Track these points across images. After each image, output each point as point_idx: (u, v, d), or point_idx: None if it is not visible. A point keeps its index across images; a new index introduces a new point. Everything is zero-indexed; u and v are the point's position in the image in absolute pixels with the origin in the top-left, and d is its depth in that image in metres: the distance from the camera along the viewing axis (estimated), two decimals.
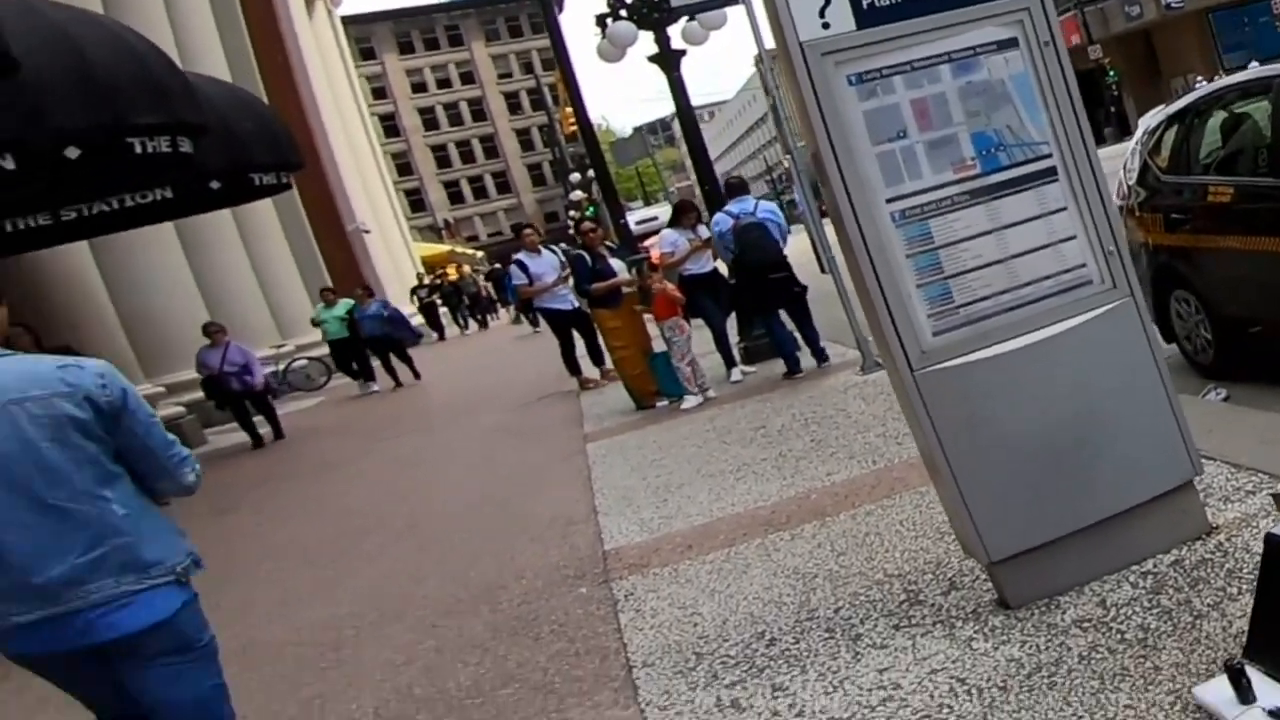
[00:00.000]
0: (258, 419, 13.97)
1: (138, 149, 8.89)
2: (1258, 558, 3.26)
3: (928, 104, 3.35)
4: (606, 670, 3.87)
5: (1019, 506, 3.44)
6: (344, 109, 37.21)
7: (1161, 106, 6.67)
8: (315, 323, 18.35)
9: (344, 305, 17.72)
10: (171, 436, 2.85)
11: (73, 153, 8.41)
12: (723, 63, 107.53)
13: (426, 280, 32.91)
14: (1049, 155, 3.45)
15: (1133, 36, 33.42)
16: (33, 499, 2.55)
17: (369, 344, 17.62)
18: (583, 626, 4.42)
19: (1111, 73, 30.26)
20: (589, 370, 11.85)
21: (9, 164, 8.05)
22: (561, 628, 4.47)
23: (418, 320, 29.79)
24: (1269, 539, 2.72)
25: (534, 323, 22.20)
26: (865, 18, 3.28)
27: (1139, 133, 6.54)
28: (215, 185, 12.12)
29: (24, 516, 2.54)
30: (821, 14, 3.25)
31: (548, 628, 4.51)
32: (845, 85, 3.28)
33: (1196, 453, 3.61)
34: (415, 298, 30.92)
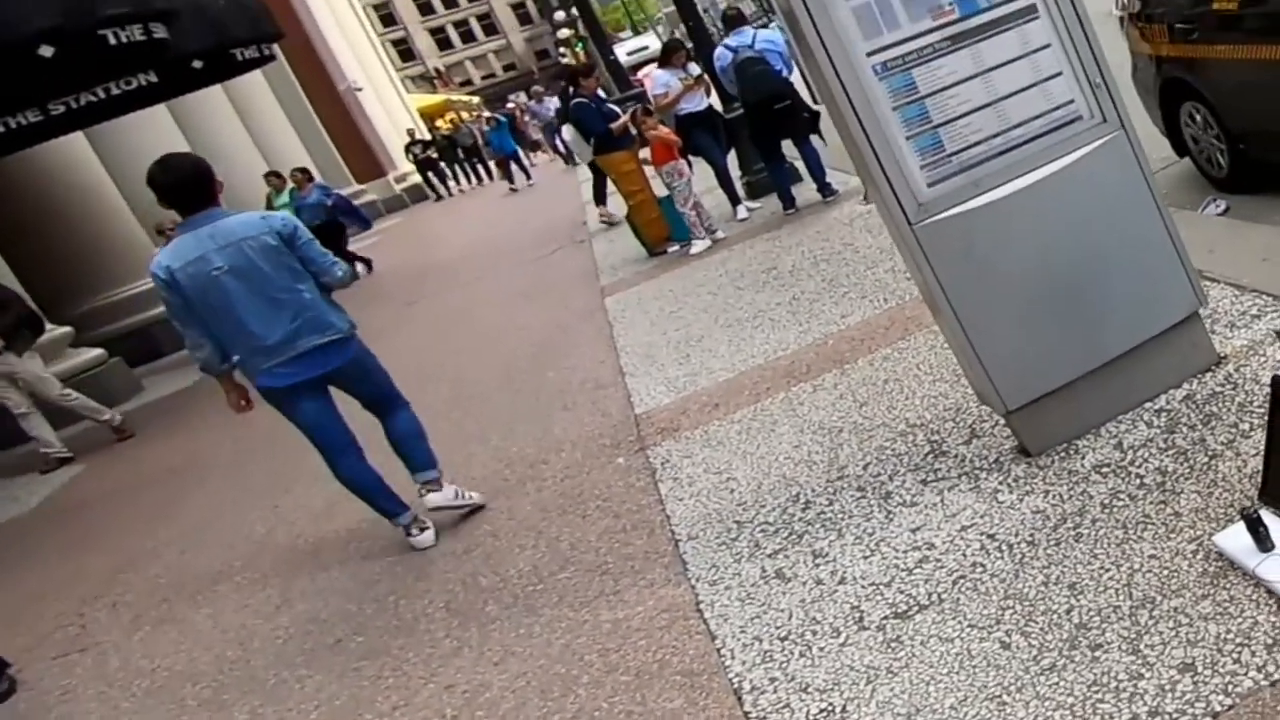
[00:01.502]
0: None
1: (111, 40, 8.89)
2: (1267, 389, 3.30)
3: None
4: (655, 546, 3.99)
5: (1029, 354, 3.45)
6: None
7: None
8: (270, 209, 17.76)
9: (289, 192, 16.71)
10: (323, 250, 4.54)
11: (47, 51, 8.46)
12: None
13: (418, 136, 31.04)
14: None
15: None
16: (260, 294, 4.30)
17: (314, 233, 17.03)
18: (626, 500, 4.53)
19: None
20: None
21: None
22: (606, 503, 4.59)
23: (409, 183, 29.01)
24: (1275, 381, 2.73)
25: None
26: None
27: None
28: (198, 65, 11.86)
29: (256, 305, 4.30)
30: None
31: (594, 504, 4.62)
32: None
33: (1200, 284, 3.59)
34: (410, 155, 29.15)
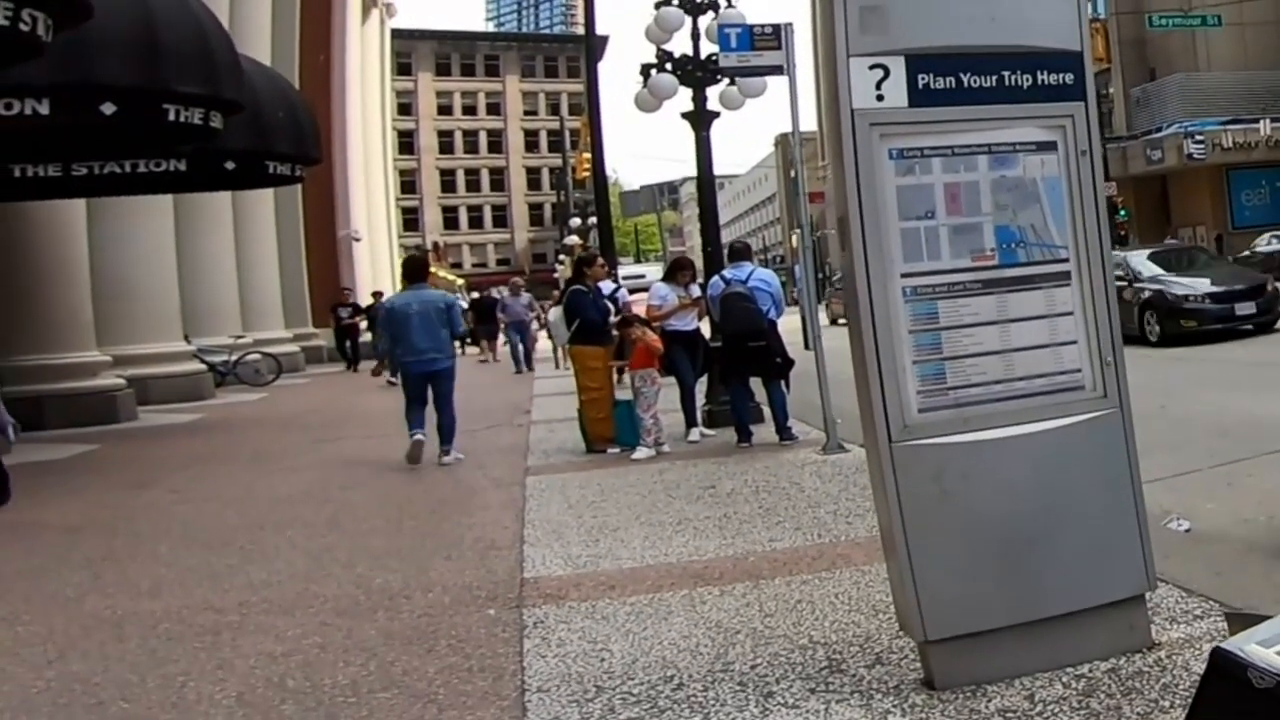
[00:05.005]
0: None
1: (171, 115, 9.13)
2: (1196, 676, 3.22)
3: (960, 190, 3.50)
4: (498, 689, 3.74)
5: (967, 590, 3.45)
6: (369, 118, 37.53)
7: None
8: None
9: None
10: (461, 320, 10.14)
11: (108, 109, 8.62)
12: (739, 139, 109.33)
13: (351, 300, 26.90)
14: (1066, 260, 3.58)
15: (1149, 180, 34.16)
16: (422, 327, 9.15)
17: None
18: (482, 645, 4.29)
19: (1123, 211, 30.85)
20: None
21: (44, 109, 8.26)
22: (460, 644, 4.33)
23: (310, 343, 26.43)
24: (1216, 652, 2.66)
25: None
26: (918, 97, 3.40)
27: None
28: (230, 166, 12.28)
29: (420, 331, 9.15)
30: (878, 86, 3.38)
31: (445, 642, 4.37)
32: (886, 158, 3.40)
33: (1154, 569, 3.64)
34: (334, 317, 25.95)
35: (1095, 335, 3.57)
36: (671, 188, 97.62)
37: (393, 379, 20.84)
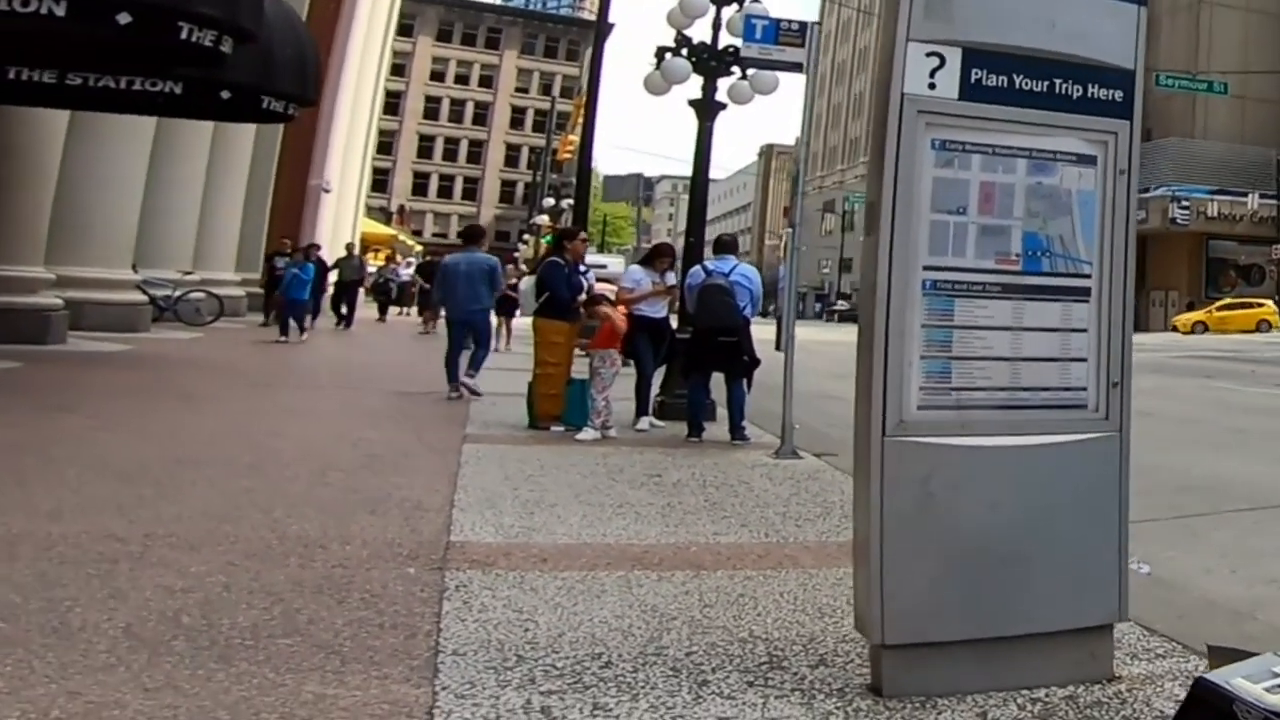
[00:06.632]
0: None
1: (184, 34, 8.98)
2: (1158, 712, 3.12)
3: (995, 190, 3.48)
4: (409, 648, 3.52)
5: (934, 598, 3.36)
6: (365, 72, 36.89)
7: None
8: None
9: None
10: (501, 281, 12.61)
11: (124, 18, 8.54)
12: (720, 146, 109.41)
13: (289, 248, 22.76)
14: (1089, 276, 3.58)
15: None
16: (467, 282, 11.28)
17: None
18: (397, 603, 4.07)
19: None
20: None
21: (60, 10, 8.21)
22: (374, 599, 4.10)
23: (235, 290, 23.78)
24: (1199, 682, 2.55)
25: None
26: (969, 91, 3.41)
27: None
28: (225, 95, 12.04)
29: (464, 286, 11.29)
30: (932, 74, 3.37)
31: (358, 595, 4.14)
32: (928, 147, 3.39)
33: (1127, 600, 3.57)
34: (268, 265, 23.48)
35: (1106, 356, 3.55)
36: (648, 183, 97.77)
37: (425, 330, 21.04)
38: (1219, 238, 34.51)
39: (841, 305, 65.36)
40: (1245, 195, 32.05)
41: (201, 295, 20.11)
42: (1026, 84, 3.47)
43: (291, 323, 18.10)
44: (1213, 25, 36.08)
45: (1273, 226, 34.05)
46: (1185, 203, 31.70)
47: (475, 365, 11.45)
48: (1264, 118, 32.96)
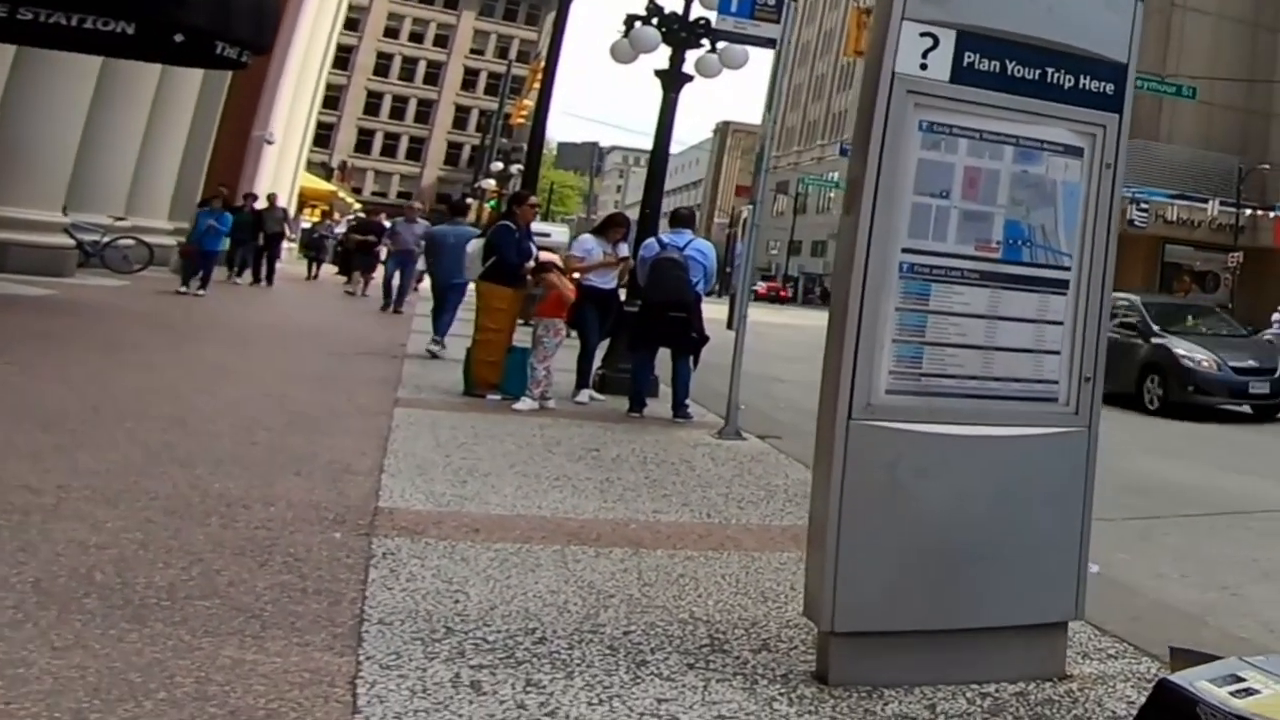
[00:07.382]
0: None
1: None
2: (1110, 713, 3.07)
3: (980, 176, 3.44)
4: (332, 615, 3.37)
5: (889, 587, 3.30)
6: (320, 24, 35.98)
7: None
8: None
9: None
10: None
11: None
12: (679, 119, 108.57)
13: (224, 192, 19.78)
14: (1068, 268, 3.56)
15: None
16: (452, 253, 11.54)
17: None
18: (322, 568, 3.90)
19: None
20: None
21: None
22: (297, 563, 3.93)
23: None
24: (1162, 683, 2.49)
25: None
26: (961, 74, 3.38)
27: None
28: (179, 39, 11.55)
29: (449, 256, 11.81)
30: (924, 55, 3.33)
31: (281, 559, 3.97)
32: (915, 128, 3.34)
33: (1084, 598, 3.54)
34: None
35: (1080, 350, 3.52)
36: (600, 154, 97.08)
37: (349, 290, 20.49)
38: (1176, 242, 35.11)
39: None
40: (1206, 201, 32.65)
41: (131, 242, 19.38)
42: (1019, 70, 3.43)
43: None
44: (1184, 29, 36.64)
45: (1231, 234, 34.80)
46: (1144, 205, 32.22)
47: (441, 330, 12.16)
48: (1229, 125, 33.57)
